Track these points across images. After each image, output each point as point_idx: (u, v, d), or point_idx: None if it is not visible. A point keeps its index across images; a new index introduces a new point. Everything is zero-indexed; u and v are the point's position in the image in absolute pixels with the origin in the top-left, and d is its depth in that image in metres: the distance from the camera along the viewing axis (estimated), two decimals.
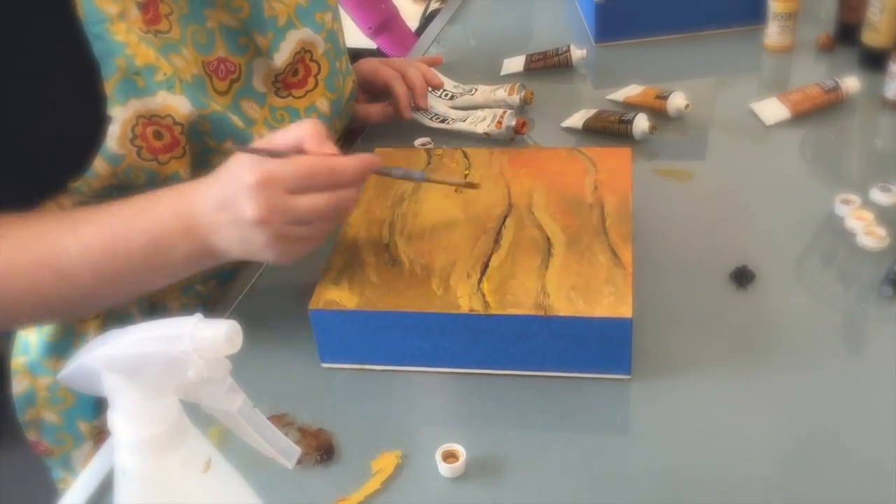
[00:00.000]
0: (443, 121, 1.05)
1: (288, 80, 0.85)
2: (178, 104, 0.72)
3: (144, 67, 0.70)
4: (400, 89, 1.02)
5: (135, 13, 0.70)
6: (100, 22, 0.68)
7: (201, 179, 0.69)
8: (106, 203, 0.70)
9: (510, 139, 1.01)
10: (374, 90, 1.05)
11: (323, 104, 0.87)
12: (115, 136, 0.70)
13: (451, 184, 0.81)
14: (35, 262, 0.69)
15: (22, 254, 0.69)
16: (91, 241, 0.69)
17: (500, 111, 1.03)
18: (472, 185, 0.79)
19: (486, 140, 1.01)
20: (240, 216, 0.65)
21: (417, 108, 1.04)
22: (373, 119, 1.05)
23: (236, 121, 0.78)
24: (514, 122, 1.00)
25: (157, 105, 0.71)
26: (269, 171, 0.65)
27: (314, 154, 0.67)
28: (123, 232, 0.69)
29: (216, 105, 0.77)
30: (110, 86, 0.69)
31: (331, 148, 0.68)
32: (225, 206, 0.66)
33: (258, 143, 0.70)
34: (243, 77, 0.81)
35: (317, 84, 0.87)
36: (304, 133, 0.68)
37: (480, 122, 1.02)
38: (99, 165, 0.71)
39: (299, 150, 0.68)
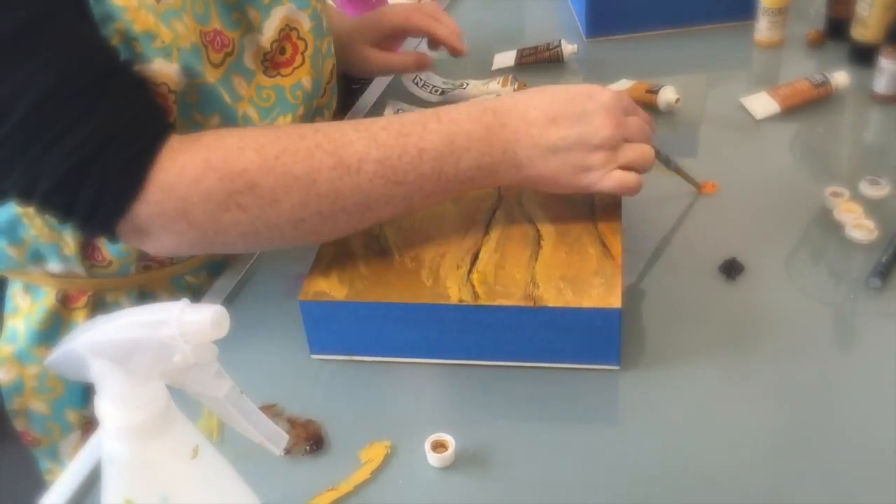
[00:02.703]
0: (442, 94, 1.07)
1: (276, 60, 0.83)
2: (173, 72, 0.71)
3: (143, 34, 0.68)
4: (445, 28, 1.03)
5: None
6: None
7: (503, 97, 0.71)
8: None
9: None
10: (407, 35, 1.06)
11: (307, 81, 0.85)
12: None
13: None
14: (314, 147, 0.67)
15: (299, 140, 0.67)
16: (378, 136, 0.68)
17: (503, 77, 1.08)
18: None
19: None
20: (588, 133, 0.69)
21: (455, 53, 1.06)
22: (399, 69, 1.05)
23: (225, 95, 0.77)
24: (516, 85, 1.07)
25: (152, 72, 0.70)
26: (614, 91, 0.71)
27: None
28: (417, 130, 0.68)
29: (210, 77, 0.75)
30: None
31: None
32: (556, 120, 0.69)
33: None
34: (236, 52, 0.79)
35: (304, 61, 0.85)
36: None
37: (483, 87, 1.07)
38: None
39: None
